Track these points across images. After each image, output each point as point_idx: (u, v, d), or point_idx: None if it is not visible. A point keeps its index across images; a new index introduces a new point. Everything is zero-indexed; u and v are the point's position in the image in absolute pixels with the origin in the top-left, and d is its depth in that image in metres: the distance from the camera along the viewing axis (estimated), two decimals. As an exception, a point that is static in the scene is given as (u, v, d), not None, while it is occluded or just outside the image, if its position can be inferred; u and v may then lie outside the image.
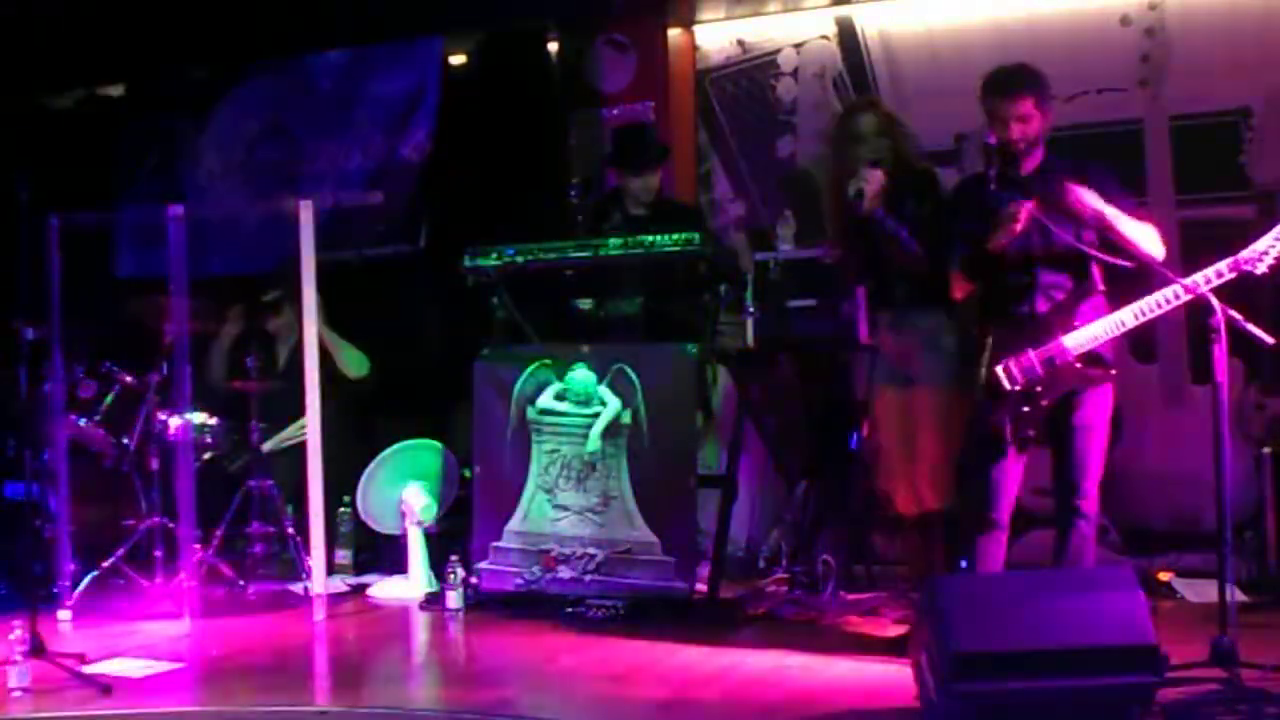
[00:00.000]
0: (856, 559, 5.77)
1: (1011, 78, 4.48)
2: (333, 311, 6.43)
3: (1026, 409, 4.36)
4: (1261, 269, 4.15)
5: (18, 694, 4.33)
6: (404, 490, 6.16)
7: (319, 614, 5.54)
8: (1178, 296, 4.22)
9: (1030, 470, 6.05)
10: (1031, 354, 4.37)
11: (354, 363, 6.57)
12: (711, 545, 5.48)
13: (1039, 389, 4.36)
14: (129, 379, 6.08)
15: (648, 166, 5.89)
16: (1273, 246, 4.14)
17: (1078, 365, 4.37)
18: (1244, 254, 4.16)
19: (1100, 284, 4.47)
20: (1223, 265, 4.18)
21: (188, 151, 7.69)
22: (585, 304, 5.80)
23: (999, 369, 4.38)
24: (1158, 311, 4.31)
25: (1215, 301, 4.02)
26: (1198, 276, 4.19)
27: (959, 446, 4.75)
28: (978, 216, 4.46)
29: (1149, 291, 4.35)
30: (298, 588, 5.94)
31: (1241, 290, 4.20)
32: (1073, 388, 4.39)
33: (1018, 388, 4.37)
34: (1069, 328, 4.39)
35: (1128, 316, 4.35)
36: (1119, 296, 4.47)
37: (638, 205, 5.90)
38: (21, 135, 7.28)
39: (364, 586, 6.21)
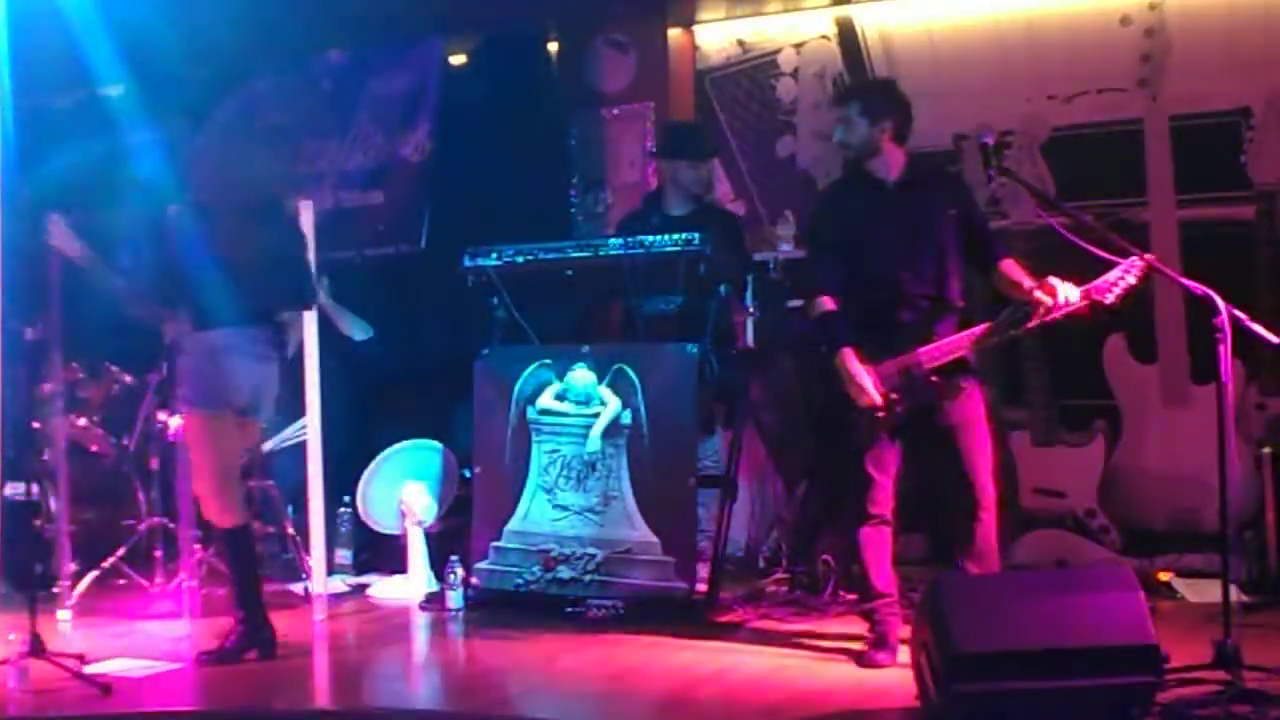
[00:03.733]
0: (857, 559, 5.77)
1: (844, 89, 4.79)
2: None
3: (881, 415, 4.44)
4: (1110, 299, 4.25)
5: (18, 694, 4.33)
6: (404, 490, 6.16)
7: (319, 614, 5.54)
8: (1046, 311, 4.27)
9: (1032, 470, 6.09)
10: (890, 362, 4.45)
11: (358, 327, 6.62)
12: (711, 545, 5.48)
13: (894, 396, 4.44)
14: (129, 379, 6.07)
15: (703, 156, 5.92)
16: (1121, 279, 4.23)
17: (933, 377, 4.44)
18: (1095, 284, 4.26)
19: (959, 300, 4.55)
20: (1073, 294, 4.25)
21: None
22: None
23: None
24: (1015, 331, 4.40)
25: (1219, 301, 4.01)
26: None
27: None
28: (848, 222, 4.57)
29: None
30: (298, 588, 5.94)
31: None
32: (932, 397, 4.46)
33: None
34: (927, 339, 4.46)
35: (979, 333, 4.43)
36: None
37: (683, 203, 5.88)
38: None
39: (364, 586, 6.21)
